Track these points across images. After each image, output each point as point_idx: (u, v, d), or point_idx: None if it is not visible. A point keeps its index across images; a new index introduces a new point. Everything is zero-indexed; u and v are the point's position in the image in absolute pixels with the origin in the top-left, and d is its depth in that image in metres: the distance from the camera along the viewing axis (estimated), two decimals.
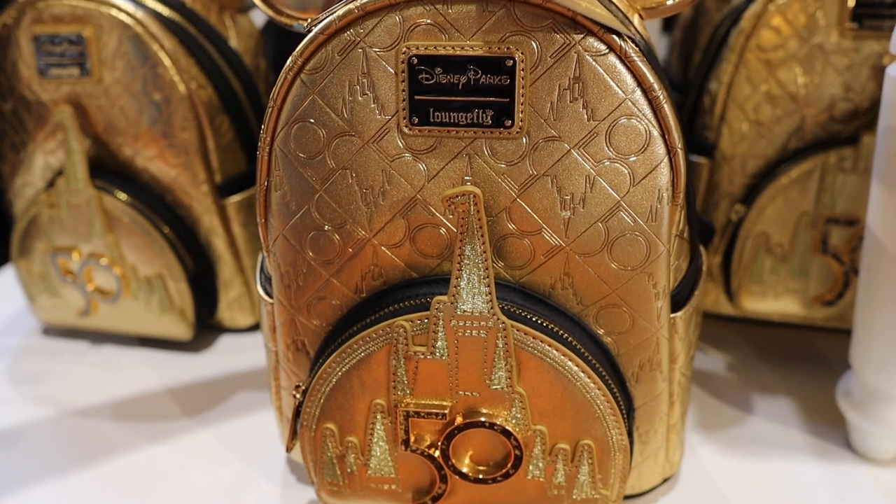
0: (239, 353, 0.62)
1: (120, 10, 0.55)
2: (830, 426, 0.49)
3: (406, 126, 0.34)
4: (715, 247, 0.56)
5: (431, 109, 0.34)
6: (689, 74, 0.67)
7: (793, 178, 0.52)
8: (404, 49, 0.33)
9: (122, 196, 0.58)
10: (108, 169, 0.59)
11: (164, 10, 0.56)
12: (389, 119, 0.34)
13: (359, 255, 0.37)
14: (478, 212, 0.33)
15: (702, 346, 0.59)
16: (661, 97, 0.33)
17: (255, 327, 0.64)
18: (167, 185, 0.58)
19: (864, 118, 0.52)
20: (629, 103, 0.33)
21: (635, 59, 0.33)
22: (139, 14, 0.55)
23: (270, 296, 0.41)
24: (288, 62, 0.35)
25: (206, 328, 0.64)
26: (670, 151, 0.34)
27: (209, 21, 0.59)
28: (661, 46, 0.80)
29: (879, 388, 0.44)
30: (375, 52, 0.33)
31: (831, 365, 0.56)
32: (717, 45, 0.56)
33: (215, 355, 0.62)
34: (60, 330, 0.66)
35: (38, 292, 0.63)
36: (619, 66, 0.33)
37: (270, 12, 0.42)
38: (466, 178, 0.34)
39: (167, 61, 0.55)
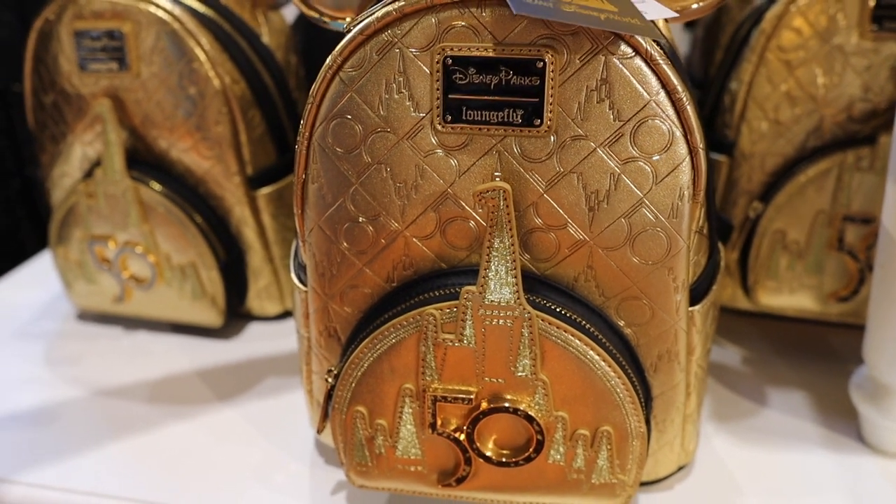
0: (267, 339, 0.64)
1: (158, 6, 0.57)
2: (843, 419, 0.51)
3: (439, 123, 0.36)
4: (733, 243, 0.57)
5: (464, 108, 0.35)
6: (711, 72, 0.68)
7: (810, 177, 0.53)
8: (439, 50, 0.35)
9: (158, 187, 0.60)
10: (144, 160, 0.61)
11: (200, 7, 0.58)
12: (424, 116, 0.36)
13: (391, 246, 0.39)
14: (507, 206, 0.35)
15: (718, 339, 0.60)
16: (685, 99, 0.34)
17: (283, 315, 0.66)
18: (200, 177, 0.60)
19: (882, 118, 0.53)
20: (653, 104, 0.34)
21: (660, 61, 0.34)
22: (176, 11, 0.57)
23: (304, 284, 0.42)
24: (328, 60, 0.37)
25: (236, 316, 0.66)
26: (692, 151, 0.35)
27: (242, 18, 0.61)
28: (683, 43, 0.81)
29: (891, 382, 0.45)
30: (412, 52, 0.35)
31: (845, 359, 0.57)
32: (739, 44, 0.57)
33: (245, 342, 0.64)
34: (95, 315, 0.69)
35: (74, 279, 0.66)
36: (645, 69, 0.34)
37: (309, 11, 0.44)
38: (496, 174, 0.36)
39: (202, 57, 0.57)
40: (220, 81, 0.57)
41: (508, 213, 0.35)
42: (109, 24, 0.57)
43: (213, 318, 0.63)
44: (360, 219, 0.38)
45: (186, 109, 0.58)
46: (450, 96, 0.35)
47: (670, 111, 0.34)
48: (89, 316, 0.69)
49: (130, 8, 0.57)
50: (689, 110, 0.34)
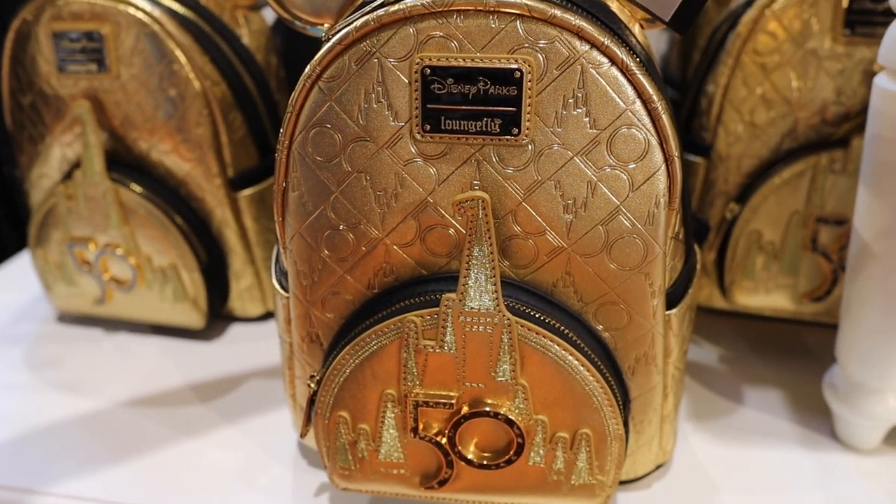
0: (249, 341, 0.64)
1: (137, 7, 0.56)
2: (817, 416, 0.52)
3: (418, 133, 0.36)
4: (710, 243, 0.58)
5: (443, 117, 0.36)
6: (688, 72, 0.69)
7: (785, 179, 0.54)
8: (418, 60, 0.35)
9: (138, 188, 0.60)
10: (124, 162, 0.61)
11: (180, 8, 0.58)
12: (403, 126, 0.36)
13: (372, 254, 0.39)
14: (486, 216, 0.35)
15: (695, 338, 0.61)
16: (660, 108, 0.35)
17: (265, 317, 0.66)
18: (181, 179, 0.60)
19: (855, 121, 0.54)
20: (629, 114, 0.35)
21: (636, 71, 0.34)
22: (156, 12, 0.56)
23: (286, 290, 0.43)
24: (307, 70, 0.37)
25: (218, 317, 0.66)
26: (668, 159, 0.36)
27: (222, 19, 0.61)
28: (660, 43, 0.82)
29: (863, 381, 0.46)
30: (390, 62, 0.35)
31: (819, 358, 0.58)
32: (715, 48, 0.58)
33: (226, 343, 0.64)
34: (76, 317, 0.68)
35: (54, 281, 0.65)
36: (621, 78, 0.35)
37: (286, 16, 0.44)
38: (475, 182, 0.37)
39: (182, 58, 0.57)
40: (200, 83, 0.57)
41: (487, 223, 0.35)
42: (88, 26, 0.57)
43: (194, 319, 0.63)
44: (341, 226, 0.38)
45: (167, 111, 0.58)
46: (428, 106, 0.35)
47: (646, 120, 0.35)
48: (69, 318, 0.69)
49: (109, 9, 0.56)
50: (665, 119, 0.35)
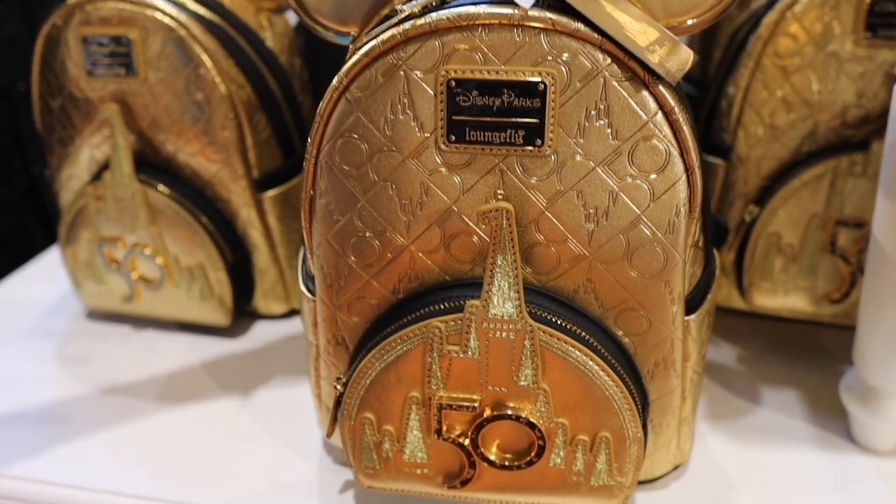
0: (274, 338, 0.65)
1: (164, 13, 0.57)
2: (834, 418, 0.52)
3: (443, 143, 0.37)
4: (729, 244, 0.58)
5: (467, 128, 0.36)
6: (708, 70, 0.69)
7: (804, 182, 0.54)
8: (443, 72, 0.36)
9: (165, 190, 0.61)
10: (151, 164, 0.62)
11: (206, 13, 0.59)
12: (428, 136, 0.37)
13: (397, 260, 0.40)
14: (510, 226, 0.36)
15: (714, 338, 0.62)
16: (681, 119, 0.36)
17: (289, 314, 0.68)
18: (208, 180, 0.61)
19: (875, 124, 0.54)
20: (651, 125, 0.35)
21: (657, 83, 0.35)
22: (182, 17, 0.57)
23: (313, 293, 0.44)
24: (334, 81, 0.38)
25: (243, 314, 0.67)
26: (688, 170, 0.36)
27: (247, 22, 0.62)
28: (680, 40, 0.82)
29: (879, 384, 0.46)
30: (416, 74, 0.36)
31: (836, 359, 0.58)
32: (736, 49, 0.58)
33: (251, 340, 0.65)
34: (104, 314, 0.70)
35: (83, 279, 0.67)
36: (643, 91, 0.35)
37: (311, 24, 0.45)
38: (499, 191, 0.37)
39: (209, 63, 0.58)
40: (226, 87, 0.58)
41: (511, 232, 0.36)
42: (117, 31, 0.58)
43: (220, 317, 0.64)
44: (367, 234, 0.39)
45: (193, 114, 0.59)
46: (453, 117, 0.36)
47: (667, 131, 0.36)
48: (98, 314, 0.70)
49: (137, 14, 0.58)
50: (686, 130, 0.36)
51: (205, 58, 0.58)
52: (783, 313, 0.58)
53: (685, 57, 0.37)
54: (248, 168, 0.61)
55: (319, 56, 0.69)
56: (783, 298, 0.57)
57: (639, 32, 0.36)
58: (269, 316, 0.68)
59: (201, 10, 0.59)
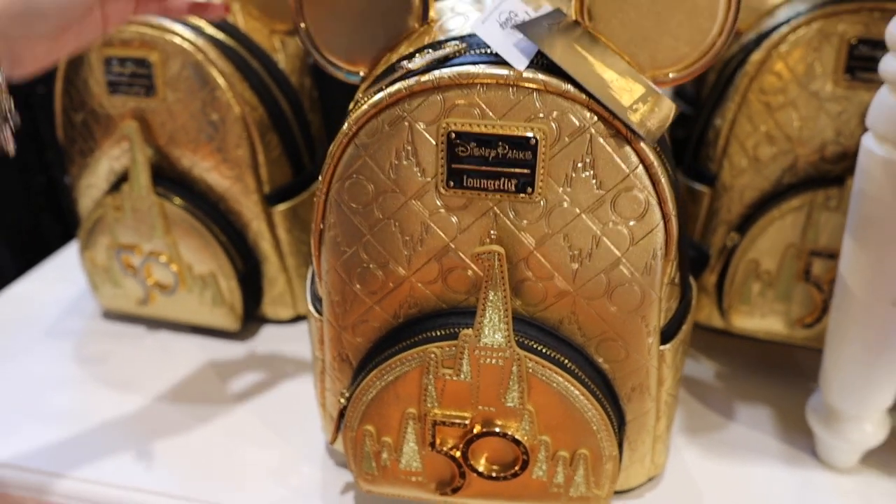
0: (281, 342, 0.69)
1: (183, 38, 0.61)
2: (801, 435, 0.56)
3: (443, 187, 0.40)
4: (711, 267, 0.62)
5: (465, 175, 0.40)
6: (702, 89, 0.72)
7: (783, 212, 0.58)
8: (444, 125, 0.39)
9: (181, 202, 0.65)
10: (168, 177, 0.65)
11: (222, 37, 0.62)
12: (429, 181, 0.41)
13: (398, 289, 0.44)
14: (501, 266, 0.40)
15: (694, 353, 0.66)
16: (660, 172, 0.39)
17: (295, 319, 0.71)
18: (221, 194, 0.65)
19: (851, 161, 0.57)
20: (632, 177, 0.39)
21: (639, 140, 0.39)
22: (200, 42, 0.61)
23: (320, 313, 0.48)
24: (344, 127, 0.41)
25: (252, 319, 0.71)
26: (665, 218, 0.40)
27: (261, 45, 0.65)
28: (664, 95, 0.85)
29: (841, 408, 0.50)
30: (419, 125, 0.40)
31: (809, 378, 0.62)
32: (724, 83, 0.61)
33: (260, 343, 0.69)
34: (120, 314, 0.74)
35: (101, 282, 0.71)
36: (626, 146, 0.39)
37: (323, 62, 0.48)
38: (492, 232, 0.41)
39: (224, 85, 0.61)
40: (240, 108, 0.62)
41: (502, 272, 0.40)
42: (138, 53, 0.61)
43: (230, 322, 0.68)
44: (372, 265, 0.43)
45: (208, 133, 0.63)
46: (453, 165, 0.40)
47: (647, 182, 0.39)
48: (114, 314, 0.74)
49: (157, 38, 0.61)
50: (664, 182, 0.39)
51: (220, 81, 0.61)
52: (759, 335, 0.62)
53: (666, 112, 0.41)
54: (260, 184, 0.64)
55: (328, 76, 0.72)
56: (759, 321, 0.61)
57: (623, 90, 0.40)
58: (277, 320, 0.72)
59: (218, 35, 0.62)
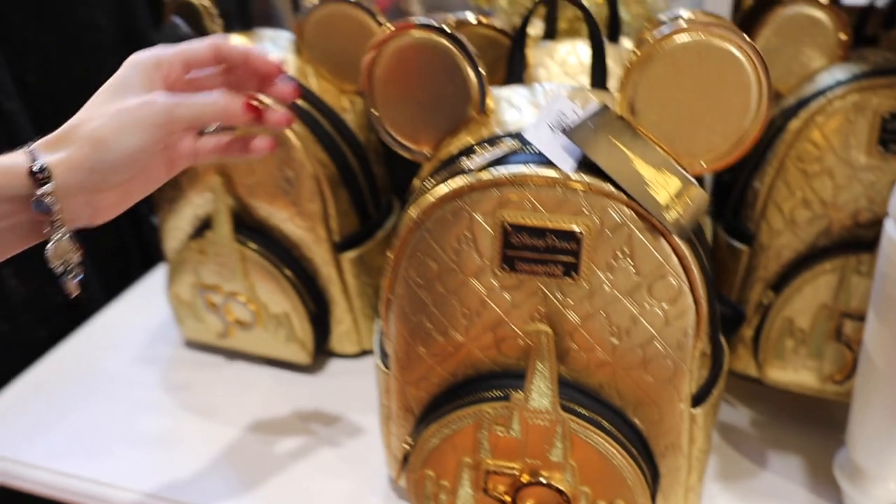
0: (347, 375, 0.76)
1: (260, 102, 0.67)
2: (830, 487, 0.60)
3: (498, 269, 0.46)
4: (749, 321, 0.66)
5: (517, 260, 0.45)
6: None
7: (817, 275, 0.62)
8: (500, 216, 0.45)
9: (258, 248, 0.71)
10: (247, 225, 0.72)
11: (299, 101, 0.69)
12: (486, 263, 0.46)
13: (457, 353, 0.49)
14: (548, 342, 0.45)
15: (730, 399, 0.70)
16: (691, 262, 0.44)
17: (360, 354, 0.78)
18: (295, 242, 0.72)
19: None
20: (666, 266, 0.44)
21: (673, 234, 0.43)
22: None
23: (387, 367, 0.54)
24: (411, 213, 0.47)
25: (320, 353, 0.77)
26: (696, 301, 0.45)
27: (331, 106, 0.71)
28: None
29: (866, 466, 0.54)
30: (478, 216, 0.45)
31: (840, 430, 0.65)
32: (764, 148, 0.65)
33: (328, 376, 0.76)
34: (201, 344, 0.81)
35: (185, 316, 0.78)
36: (661, 240, 0.44)
37: (390, 141, 0.54)
38: (541, 308, 0.46)
39: (299, 146, 0.68)
40: (312, 167, 0.68)
41: (549, 348, 0.45)
42: None
43: (302, 357, 0.75)
44: (434, 332, 0.49)
45: (284, 188, 0.69)
46: (507, 251, 0.45)
47: (680, 271, 0.44)
48: (195, 344, 0.82)
49: None
50: (695, 271, 0.44)
51: (295, 142, 0.67)
52: (792, 388, 0.66)
53: (700, 204, 0.45)
54: (330, 233, 0.71)
55: None
56: (793, 375, 0.65)
57: (660, 186, 0.44)
58: (343, 355, 0.78)
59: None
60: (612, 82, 0.62)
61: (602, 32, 0.57)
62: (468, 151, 0.47)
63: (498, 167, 0.44)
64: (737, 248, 0.67)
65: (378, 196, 0.76)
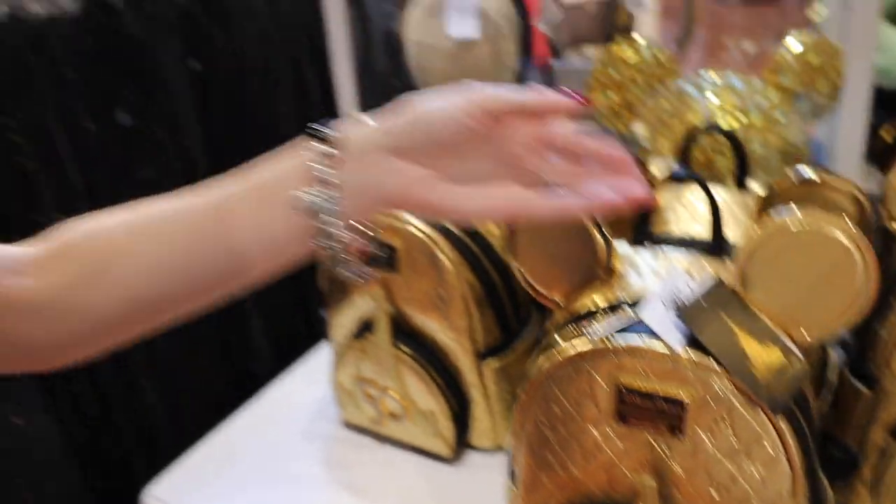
0: (484, 470, 0.84)
1: (418, 228, 0.78)
2: None
3: (613, 421, 0.53)
4: (871, 463, 0.68)
5: (629, 416, 0.52)
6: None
7: None
8: (615, 379, 0.52)
9: (413, 353, 0.82)
10: (403, 331, 0.83)
11: (454, 228, 0.79)
12: (602, 415, 0.53)
13: (574, 484, 0.57)
14: (652, 494, 0.52)
15: None
16: (786, 431, 0.49)
17: (496, 450, 0.86)
18: (444, 349, 0.82)
19: None
20: (763, 434, 0.49)
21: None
22: (433, 234, 0.78)
23: (515, 485, 0.62)
24: (543, 366, 0.55)
25: (460, 445, 0.86)
26: (792, 467, 0.50)
27: (480, 230, 0.81)
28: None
29: None
30: (597, 376, 0.53)
31: None
32: (887, 293, 0.68)
33: (467, 468, 0.85)
34: (357, 427, 0.93)
35: (345, 401, 0.90)
36: (759, 412, 0.49)
37: (527, 286, 0.62)
38: (649, 457, 0.53)
39: (451, 270, 0.78)
40: (462, 288, 0.78)
41: (652, 496, 0.52)
42: (385, 237, 0.80)
43: (444, 450, 0.84)
44: (555, 465, 0.57)
45: (437, 304, 0.80)
46: (620, 408, 0.52)
47: (776, 439, 0.49)
48: (352, 426, 0.93)
49: (399, 228, 0.79)
50: (790, 440, 0.49)
51: (449, 266, 0.78)
52: None
53: (799, 376, 0.50)
54: (475, 345, 0.80)
55: None
56: None
57: (762, 363, 0.50)
58: (480, 448, 0.87)
59: (447, 225, 0.79)
60: (736, 230, 0.67)
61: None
62: (593, 314, 0.55)
63: (616, 336, 0.52)
64: (860, 389, 0.69)
65: (519, 310, 0.85)
